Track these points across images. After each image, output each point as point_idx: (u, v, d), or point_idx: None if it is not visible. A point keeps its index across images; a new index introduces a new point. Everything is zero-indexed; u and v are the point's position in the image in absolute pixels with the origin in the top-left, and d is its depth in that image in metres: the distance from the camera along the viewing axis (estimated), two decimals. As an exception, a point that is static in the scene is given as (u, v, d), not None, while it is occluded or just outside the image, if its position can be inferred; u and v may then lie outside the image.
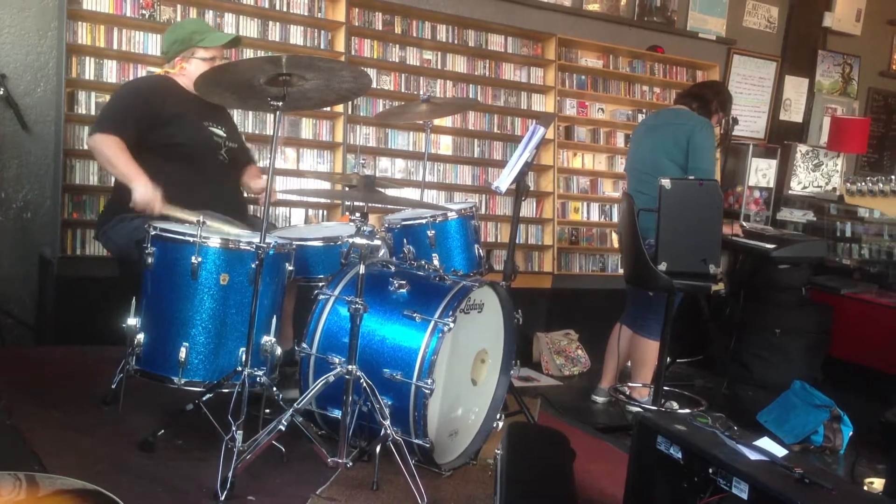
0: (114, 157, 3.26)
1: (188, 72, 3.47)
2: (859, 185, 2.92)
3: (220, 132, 3.53)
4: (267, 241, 2.78)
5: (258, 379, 2.80)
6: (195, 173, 3.38)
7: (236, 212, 3.45)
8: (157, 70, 4.25)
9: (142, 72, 4.51)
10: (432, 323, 2.80)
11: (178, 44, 3.49)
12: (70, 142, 4.30)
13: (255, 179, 3.73)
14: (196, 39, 3.47)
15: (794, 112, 7.12)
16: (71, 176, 4.33)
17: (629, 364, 4.60)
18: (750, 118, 6.85)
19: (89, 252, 4.33)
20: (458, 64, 5.54)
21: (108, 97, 4.32)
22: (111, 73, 4.46)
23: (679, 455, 2.33)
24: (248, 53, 4.75)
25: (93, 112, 4.34)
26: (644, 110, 6.16)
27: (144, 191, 3.19)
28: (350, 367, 2.66)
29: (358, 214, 2.80)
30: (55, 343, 4.17)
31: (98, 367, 3.51)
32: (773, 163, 6.57)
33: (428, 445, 2.78)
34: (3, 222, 4.38)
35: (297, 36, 4.97)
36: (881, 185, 2.88)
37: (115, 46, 4.46)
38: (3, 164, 4.32)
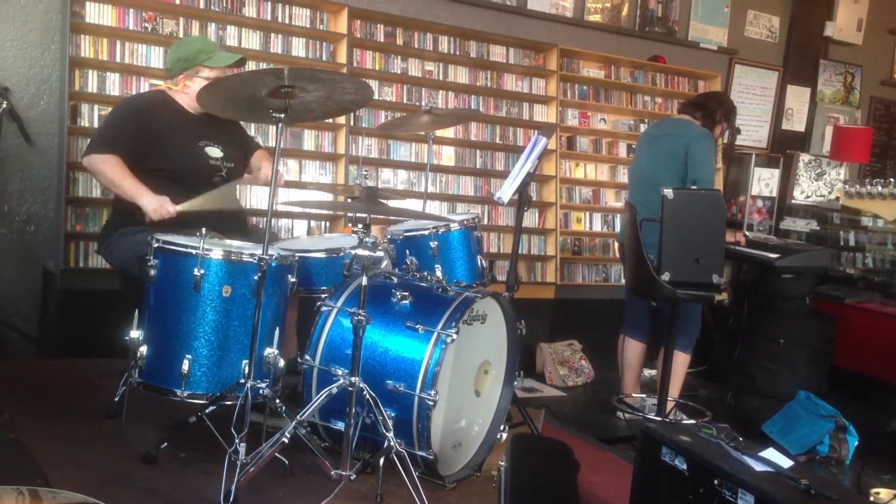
0: (115, 177, 3.25)
1: (191, 90, 3.43)
2: (857, 188, 2.92)
3: (218, 152, 3.49)
4: (269, 252, 2.78)
5: (261, 391, 2.79)
6: (192, 192, 3.36)
7: (235, 225, 3.44)
8: (159, 83, 4.26)
9: (144, 84, 4.52)
10: (435, 334, 2.79)
11: (182, 62, 3.47)
12: (73, 154, 4.31)
13: (264, 162, 3.67)
14: (201, 59, 3.45)
15: (796, 121, 7.12)
16: (74, 188, 4.34)
17: (647, 373, 4.58)
18: (752, 128, 6.85)
19: (92, 264, 4.34)
20: (460, 75, 5.55)
21: (110, 110, 4.33)
22: (114, 85, 4.48)
23: (684, 466, 2.32)
24: (251, 66, 4.75)
25: (96, 125, 4.34)
26: (646, 120, 6.16)
27: (152, 200, 3.19)
28: (353, 378, 2.66)
29: (360, 226, 2.80)
30: (58, 356, 4.17)
31: (101, 380, 3.51)
32: (776, 172, 6.57)
33: (431, 457, 2.77)
34: (6, 235, 4.38)
35: (299, 48, 4.99)
36: (879, 188, 2.88)
37: (117, 59, 4.47)
38: (7, 177, 4.33)
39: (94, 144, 3.35)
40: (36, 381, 3.64)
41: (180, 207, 3.19)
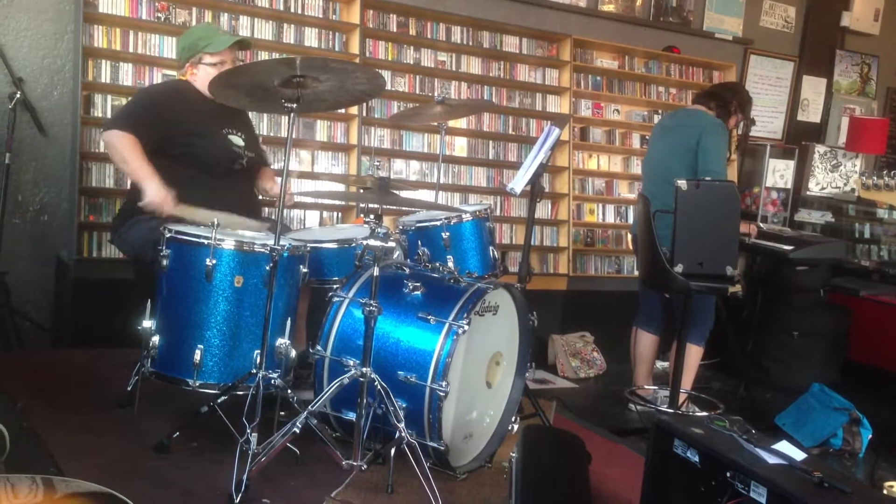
0: (128, 155, 3.24)
1: (198, 78, 3.46)
2: (874, 179, 2.90)
3: (240, 141, 3.50)
4: (281, 243, 2.78)
5: (272, 381, 2.80)
6: (213, 180, 3.37)
7: (252, 215, 3.44)
8: (171, 73, 4.27)
9: (157, 74, 4.53)
10: (447, 325, 2.79)
11: (186, 50, 3.49)
12: (86, 145, 4.32)
13: (270, 183, 3.71)
14: (201, 45, 3.45)
15: (811, 112, 7.07)
16: (87, 179, 4.35)
17: (660, 365, 4.56)
18: (767, 119, 6.80)
19: (105, 254, 4.36)
20: (473, 65, 5.53)
21: (124, 100, 4.34)
22: (127, 76, 4.49)
23: (696, 458, 2.31)
24: (263, 55, 4.76)
25: (109, 115, 4.36)
26: (660, 111, 6.13)
27: (156, 191, 3.17)
28: (364, 369, 2.66)
29: (372, 216, 2.80)
30: (71, 346, 4.19)
31: (113, 370, 3.52)
32: (791, 163, 6.53)
33: (443, 448, 2.77)
34: (20, 225, 4.40)
35: (311, 38, 4.98)
36: (896, 180, 2.86)
37: (130, 49, 4.48)
38: (20, 167, 4.35)
39: (116, 120, 3.35)
40: (49, 371, 3.66)
41: (179, 212, 3.17)
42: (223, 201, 3.27)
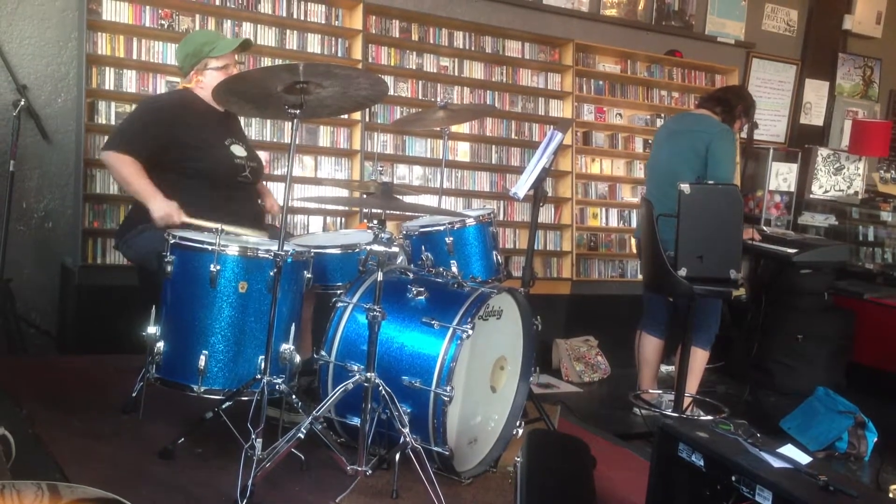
0: (129, 177, 3.26)
1: (205, 84, 3.45)
2: (892, 173, 2.90)
3: (242, 151, 3.49)
4: (285, 248, 2.78)
5: (277, 387, 2.80)
6: (216, 191, 3.37)
7: (256, 224, 3.44)
8: (175, 80, 4.27)
9: (161, 81, 4.54)
10: (451, 330, 2.79)
11: (189, 57, 3.48)
12: (90, 151, 4.33)
13: (271, 200, 3.72)
14: (206, 51, 3.45)
15: (814, 115, 7.07)
16: (91, 185, 4.36)
17: (665, 369, 4.55)
18: (770, 122, 6.80)
19: (110, 261, 4.36)
20: (476, 70, 5.53)
21: (128, 107, 4.35)
22: (131, 83, 4.50)
23: (701, 462, 2.31)
24: (266, 62, 4.77)
25: (113, 121, 4.37)
26: (662, 115, 6.13)
27: (162, 206, 3.18)
28: (369, 374, 2.66)
29: (376, 221, 2.80)
30: (76, 352, 4.20)
31: (118, 376, 3.53)
32: (794, 167, 6.52)
33: (447, 453, 2.77)
34: (24, 232, 4.41)
35: (314, 44, 4.99)
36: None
37: (134, 56, 4.49)
38: (25, 174, 4.36)
39: (113, 142, 3.35)
40: (54, 377, 3.67)
41: (188, 220, 3.18)
42: (226, 213, 3.25)
